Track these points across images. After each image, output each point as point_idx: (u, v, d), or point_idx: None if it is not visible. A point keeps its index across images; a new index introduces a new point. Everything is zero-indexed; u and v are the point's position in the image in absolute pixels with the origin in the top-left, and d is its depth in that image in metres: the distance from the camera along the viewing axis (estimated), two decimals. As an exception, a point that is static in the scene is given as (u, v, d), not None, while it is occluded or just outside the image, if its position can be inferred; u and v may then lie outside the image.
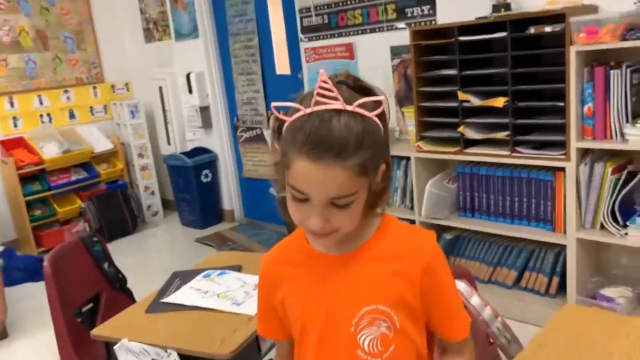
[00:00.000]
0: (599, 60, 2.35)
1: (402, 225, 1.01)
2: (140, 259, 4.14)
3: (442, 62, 2.82)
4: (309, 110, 0.85)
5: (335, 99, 0.85)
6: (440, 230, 3.00)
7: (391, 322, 0.94)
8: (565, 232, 2.51)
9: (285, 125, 0.88)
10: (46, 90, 4.71)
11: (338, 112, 0.85)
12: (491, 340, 1.56)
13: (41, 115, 4.69)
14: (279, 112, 0.91)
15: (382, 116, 0.90)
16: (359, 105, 0.86)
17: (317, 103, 0.85)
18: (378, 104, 0.88)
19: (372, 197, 0.91)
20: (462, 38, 2.62)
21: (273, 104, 0.90)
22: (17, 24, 4.52)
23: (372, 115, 0.87)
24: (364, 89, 0.91)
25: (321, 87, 0.85)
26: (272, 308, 1.04)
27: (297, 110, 0.87)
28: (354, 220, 0.90)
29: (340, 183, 0.84)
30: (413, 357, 0.98)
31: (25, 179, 4.31)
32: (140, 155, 4.95)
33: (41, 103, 4.69)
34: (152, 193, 5.05)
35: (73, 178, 4.57)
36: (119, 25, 5.10)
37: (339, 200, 0.86)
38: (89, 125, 4.88)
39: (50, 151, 4.41)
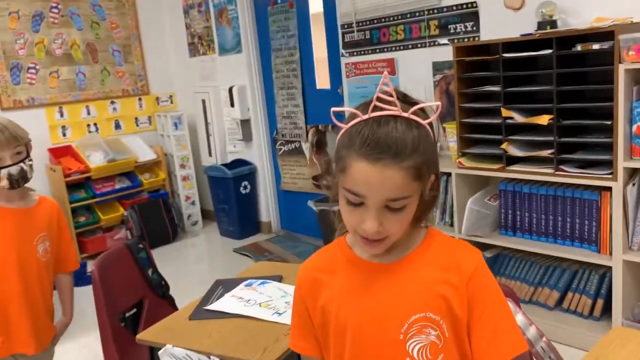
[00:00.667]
0: (648, 79, 2.30)
1: (448, 238, 1.02)
2: (180, 267, 4.22)
3: (485, 78, 2.81)
4: (366, 116, 0.89)
5: (393, 104, 0.89)
6: (480, 248, 2.94)
7: (440, 330, 0.94)
8: (610, 253, 2.45)
9: (342, 131, 0.92)
10: (94, 101, 4.87)
11: (395, 117, 0.88)
12: (535, 361, 1.53)
13: (88, 125, 4.85)
14: (319, 126, 0.93)
15: (432, 126, 0.93)
16: (414, 113, 0.90)
17: (376, 108, 0.89)
18: (428, 116, 0.93)
19: (422, 205, 0.94)
20: (506, 55, 2.61)
21: (333, 109, 0.94)
22: (70, 38, 4.72)
23: (425, 123, 0.91)
24: (412, 102, 0.94)
25: (382, 91, 0.89)
26: (307, 320, 1.04)
27: (354, 117, 0.91)
28: (404, 225, 0.92)
29: (396, 184, 0.87)
30: None
31: (72, 186, 4.46)
32: (182, 166, 5.05)
33: (89, 113, 4.86)
34: (193, 203, 5.14)
35: (117, 186, 4.70)
36: (165, 39, 5.26)
37: (394, 202, 0.88)
38: (133, 135, 5.02)
39: (96, 160, 4.55)
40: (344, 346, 0.98)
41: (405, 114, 0.89)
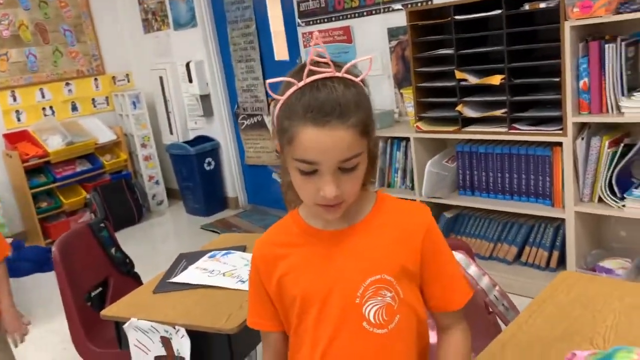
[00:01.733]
0: (593, 35, 2.37)
1: (398, 200, 1.05)
2: (147, 247, 4.20)
3: (439, 42, 2.84)
4: (302, 82, 0.88)
5: (327, 64, 0.89)
6: (440, 209, 3.04)
7: (395, 291, 0.96)
8: (563, 206, 2.55)
9: (280, 102, 0.90)
10: (48, 83, 4.74)
11: (331, 78, 0.88)
12: (490, 309, 1.60)
13: (44, 109, 4.73)
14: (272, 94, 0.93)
15: (365, 82, 0.94)
16: (347, 72, 0.90)
17: (311, 73, 0.88)
18: (359, 71, 0.93)
19: (370, 162, 0.95)
20: (458, 17, 2.64)
21: (267, 80, 0.92)
22: (17, 18, 4.55)
23: (358, 80, 0.92)
24: (336, 64, 0.93)
25: (314, 56, 0.89)
26: (265, 295, 1.03)
27: (289, 86, 0.89)
28: (359, 185, 0.93)
29: (347, 143, 0.87)
30: (415, 327, 1.01)
31: (31, 172, 4.36)
32: (143, 145, 4.99)
33: (43, 96, 4.73)
34: (157, 182, 5.10)
35: (78, 169, 4.62)
36: (118, 16, 5.12)
37: (347, 162, 0.88)
38: (91, 117, 4.92)
39: (54, 143, 4.45)
40: (306, 316, 0.98)
41: (339, 74, 0.89)
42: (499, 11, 2.49)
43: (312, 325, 0.98)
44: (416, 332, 1.01)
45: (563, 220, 2.57)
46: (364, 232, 0.98)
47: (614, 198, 2.40)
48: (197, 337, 1.55)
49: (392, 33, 3.28)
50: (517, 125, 2.60)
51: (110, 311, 1.72)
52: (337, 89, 0.87)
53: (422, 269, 0.99)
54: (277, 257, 1.01)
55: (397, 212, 1.01)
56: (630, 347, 1.11)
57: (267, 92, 4.26)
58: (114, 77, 5.13)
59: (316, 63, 0.88)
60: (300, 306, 0.98)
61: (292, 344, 1.04)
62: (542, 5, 2.37)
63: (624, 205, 2.36)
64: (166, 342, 1.59)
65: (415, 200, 2.95)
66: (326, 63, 0.89)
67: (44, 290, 3.55)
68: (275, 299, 1.03)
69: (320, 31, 3.64)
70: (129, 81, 5.23)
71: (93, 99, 5.03)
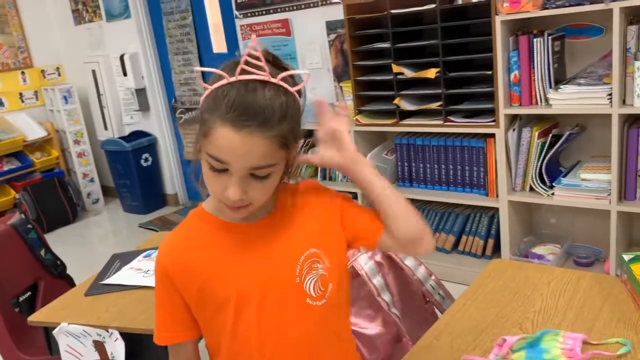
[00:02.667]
0: (522, 29, 2.45)
1: (310, 181, 1.06)
2: (83, 248, 4.04)
3: (377, 35, 2.86)
4: (233, 78, 0.85)
5: (261, 69, 0.85)
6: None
7: (322, 262, 0.98)
8: (497, 195, 2.63)
9: (207, 92, 0.87)
10: (-31, 77, 4.47)
11: (263, 83, 0.85)
12: (427, 299, 1.63)
13: (-34, 104, 4.46)
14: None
15: (300, 93, 0.92)
16: (283, 79, 0.87)
17: (243, 72, 0.85)
18: (296, 82, 0.91)
19: (287, 170, 0.95)
20: (393, 11, 2.66)
21: (195, 68, 0.89)
22: None
23: (294, 90, 0.90)
24: (282, 67, 0.92)
25: (250, 55, 0.85)
26: (180, 303, 0.98)
27: (219, 78, 0.86)
28: (268, 193, 0.92)
29: (262, 153, 0.85)
30: (345, 290, 1.05)
31: (-48, 171, 4.11)
32: (77, 142, 4.79)
33: (-35, 91, 4.46)
34: (91, 180, 4.91)
35: (5, 168, 4.39)
36: (45, 6, 4.87)
37: (259, 170, 0.87)
38: (19, 112, 4.67)
39: (-22, 141, 4.20)
40: (246, 313, 0.95)
41: (274, 80, 0.86)
42: (433, 5, 2.53)
43: (255, 318, 0.95)
44: (344, 297, 1.05)
45: (497, 209, 2.66)
46: (279, 218, 0.99)
47: (544, 187, 2.50)
48: (133, 340, 1.50)
49: (331, 26, 3.28)
50: (452, 118, 2.66)
51: (38, 316, 1.64)
52: (266, 95, 0.85)
53: (346, 222, 1.02)
54: (195, 260, 0.96)
55: (298, 195, 1.02)
56: (556, 330, 1.16)
57: (205, 86, 4.17)
58: (43, 71, 4.89)
59: (250, 63, 0.85)
60: (236, 304, 0.95)
61: (228, 348, 0.99)
62: (474, 0, 2.43)
63: (553, 194, 2.47)
64: (100, 346, 1.53)
65: (355, 194, 2.98)
66: (261, 67, 0.86)
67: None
68: (197, 306, 0.98)
69: (258, 23, 3.60)
70: (59, 75, 5.00)
71: (20, 94, 4.78)
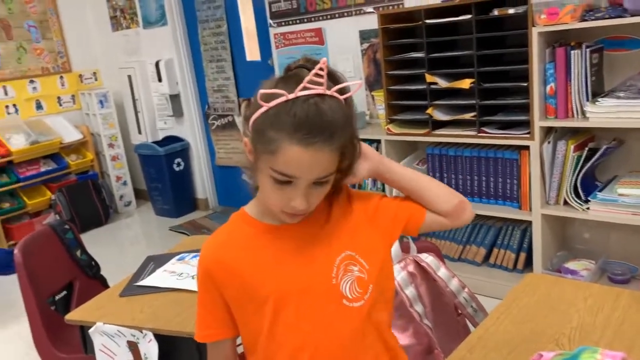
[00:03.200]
0: (560, 41, 2.42)
1: (350, 189, 1.08)
2: (114, 250, 4.12)
3: (410, 45, 2.86)
4: (292, 95, 0.87)
5: (319, 83, 0.88)
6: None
7: (360, 264, 0.99)
8: (530, 209, 2.59)
9: (263, 109, 0.89)
10: (11, 80, 4.61)
11: (322, 96, 0.88)
12: (459, 311, 1.62)
13: (7, 106, 4.59)
14: (251, 98, 0.93)
15: (351, 99, 0.96)
16: (337, 90, 0.91)
17: (304, 89, 0.87)
18: (345, 90, 0.94)
19: (340, 173, 0.98)
20: (428, 21, 2.66)
21: (261, 91, 0.88)
22: (-21, 13, 4.42)
23: (345, 97, 0.92)
24: (335, 78, 0.94)
25: (317, 74, 0.87)
26: (220, 301, 1.01)
27: (277, 96, 0.88)
28: (325, 195, 0.96)
29: (327, 164, 0.90)
30: (389, 291, 1.06)
31: (-8, 171, 4.23)
32: (111, 145, 4.89)
33: (6, 94, 4.59)
34: (124, 183, 5.00)
35: (42, 169, 4.50)
36: (85, 13, 5.01)
37: (321, 179, 0.91)
38: (57, 115, 4.80)
39: (17, 142, 4.33)
40: (284, 313, 0.97)
41: (329, 92, 0.89)
42: (468, 16, 2.52)
43: (294, 319, 0.97)
44: (386, 299, 1.06)
45: (530, 222, 2.62)
46: (319, 220, 1.01)
47: (578, 201, 2.45)
48: (165, 342, 1.53)
49: (364, 36, 3.29)
50: (485, 129, 2.63)
51: (75, 315, 1.68)
52: (328, 109, 0.87)
53: (378, 225, 1.03)
54: (235, 260, 1.00)
55: (346, 197, 1.05)
56: (594, 348, 1.13)
57: (238, 93, 4.23)
58: (80, 75, 5.02)
59: (315, 82, 0.87)
60: (274, 305, 0.97)
61: (264, 348, 1.01)
62: (511, 11, 2.41)
63: (588, 208, 2.42)
64: (133, 346, 1.56)
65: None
66: (320, 82, 0.88)
67: (5, 293, 3.45)
68: (236, 305, 1.01)
69: (292, 32, 3.64)
70: (96, 79, 5.13)
71: (59, 97, 4.91)
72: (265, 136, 0.88)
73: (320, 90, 0.88)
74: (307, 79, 0.87)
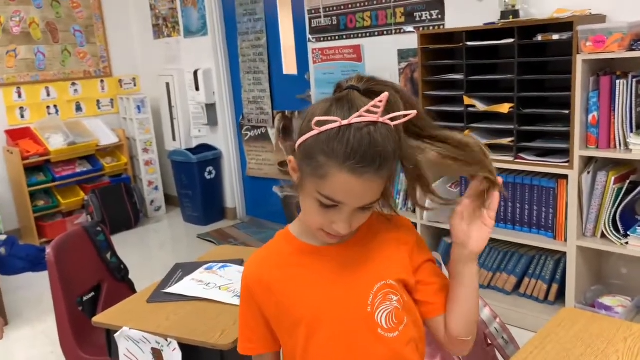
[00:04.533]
0: (605, 70, 2.36)
1: (381, 213, 1.04)
2: (142, 253, 4.16)
3: (449, 66, 2.84)
4: (346, 122, 0.85)
5: (375, 113, 0.86)
6: (441, 234, 3.02)
7: (400, 294, 0.98)
8: (566, 239, 2.52)
9: (313, 132, 0.87)
10: (54, 82, 4.74)
11: (375, 124, 0.86)
12: (489, 341, 1.57)
13: (48, 107, 4.72)
14: (286, 111, 0.92)
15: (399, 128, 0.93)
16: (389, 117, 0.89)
17: (359, 117, 0.86)
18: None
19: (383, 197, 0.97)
20: (469, 43, 2.64)
21: (317, 118, 0.85)
22: (28, 16, 4.56)
23: (396, 125, 0.90)
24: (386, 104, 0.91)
25: (375, 106, 0.86)
26: (260, 317, 1.03)
27: (328, 121, 0.86)
28: (366, 220, 0.96)
29: (375, 192, 0.89)
30: (419, 329, 1.03)
31: (30, 170, 4.34)
32: (145, 150, 4.97)
33: (48, 95, 4.72)
34: (156, 188, 5.07)
35: (77, 170, 4.60)
36: (129, 20, 5.14)
37: (367, 205, 0.91)
38: (95, 118, 4.91)
39: (55, 142, 4.43)
40: (317, 336, 0.97)
41: (382, 120, 0.87)
42: (511, 40, 2.49)
43: (326, 343, 0.97)
44: (419, 332, 1.04)
45: (564, 253, 2.55)
46: (359, 245, 1.00)
47: (617, 235, 2.38)
48: (189, 351, 1.52)
49: (402, 55, 3.28)
50: (523, 155, 2.58)
51: (102, 318, 1.68)
52: (380, 139, 0.86)
53: (415, 276, 1.01)
54: (274, 279, 1.00)
55: (386, 223, 1.03)
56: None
57: (273, 105, 4.25)
58: (120, 80, 5.13)
59: (370, 111, 0.86)
60: (308, 327, 0.97)
61: None
62: (555, 37, 2.37)
63: (627, 243, 2.34)
64: (157, 353, 1.56)
65: (416, 224, 2.93)
66: (376, 111, 0.86)
67: (34, 290, 3.51)
68: (275, 322, 1.02)
69: (330, 48, 3.65)
70: (135, 85, 5.23)
71: (98, 101, 5.03)
72: (315, 160, 0.87)
73: (374, 118, 0.86)
74: (364, 108, 0.85)
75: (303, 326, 0.97)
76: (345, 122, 0.85)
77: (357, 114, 0.85)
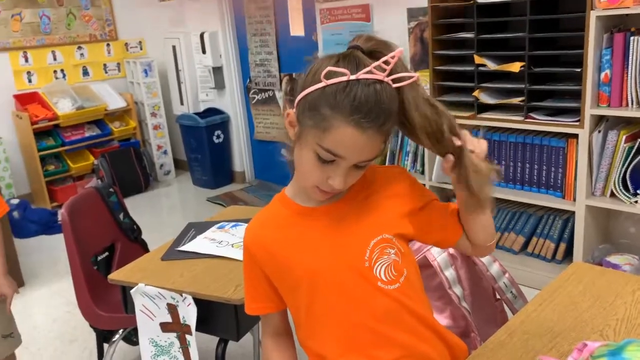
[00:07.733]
0: (619, 27, 2.32)
1: (375, 167, 1.05)
2: (153, 216, 4.21)
3: (460, 25, 2.79)
4: (354, 77, 0.85)
5: (384, 70, 0.87)
6: (450, 194, 3.02)
7: (397, 247, 0.99)
8: (574, 199, 2.53)
9: (320, 85, 0.87)
10: (60, 46, 4.71)
11: (381, 82, 0.87)
12: (498, 296, 1.60)
13: (55, 71, 4.71)
14: (293, 74, 0.92)
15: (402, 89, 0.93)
16: (393, 79, 0.88)
17: (369, 72, 0.86)
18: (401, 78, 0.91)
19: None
20: (480, 1, 2.59)
21: (330, 68, 0.85)
22: (32, -22, 4.51)
23: (397, 87, 0.89)
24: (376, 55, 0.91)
25: (385, 62, 0.86)
26: (263, 278, 1.05)
27: (336, 74, 0.86)
28: (359, 178, 0.96)
29: (375, 149, 0.90)
30: (419, 279, 1.06)
31: (39, 134, 4.36)
32: (153, 114, 4.97)
33: (55, 59, 4.70)
34: (165, 152, 5.09)
35: (86, 134, 4.62)
36: (133, -18, 5.07)
37: (364, 162, 0.91)
38: (102, 82, 4.90)
39: (64, 107, 4.44)
40: (318, 293, 0.99)
41: (387, 80, 0.87)
42: (523, -3, 2.44)
43: (328, 300, 0.99)
44: (420, 282, 1.06)
45: (573, 213, 2.56)
46: (353, 202, 1.01)
47: (626, 194, 2.38)
48: (204, 306, 1.56)
49: (412, 13, 3.23)
50: (533, 115, 2.56)
51: (118, 275, 1.72)
52: (385, 96, 0.86)
53: (416, 223, 1.02)
54: (272, 240, 1.02)
55: (377, 173, 1.04)
56: (642, 341, 1.10)
57: (280, 68, 4.22)
58: (126, 44, 5.09)
59: (380, 68, 0.86)
60: (309, 286, 0.99)
61: (306, 325, 1.04)
62: (569, -8, 2.33)
63: (636, 201, 2.34)
64: (172, 309, 1.60)
65: (425, 185, 2.94)
66: (385, 68, 0.86)
67: (48, 252, 3.57)
68: (277, 282, 1.04)
69: (337, 8, 3.59)
70: (141, 49, 5.19)
71: (104, 65, 5.00)
72: (318, 112, 0.87)
73: (381, 76, 0.86)
74: (374, 64, 0.86)
75: (304, 285, 0.99)
76: (353, 76, 0.85)
77: (367, 69, 0.85)
